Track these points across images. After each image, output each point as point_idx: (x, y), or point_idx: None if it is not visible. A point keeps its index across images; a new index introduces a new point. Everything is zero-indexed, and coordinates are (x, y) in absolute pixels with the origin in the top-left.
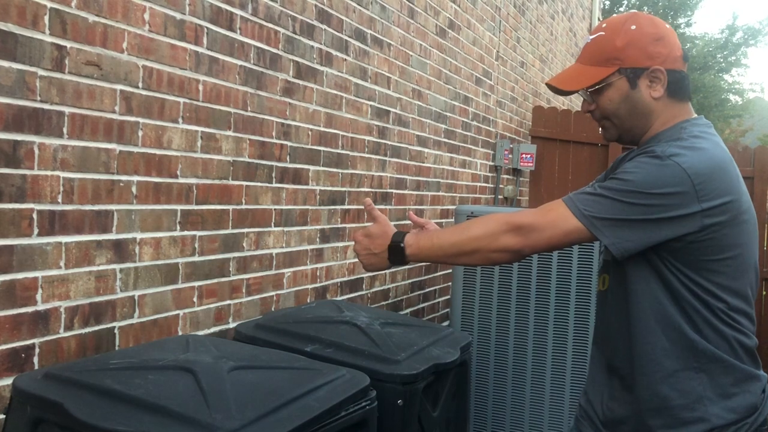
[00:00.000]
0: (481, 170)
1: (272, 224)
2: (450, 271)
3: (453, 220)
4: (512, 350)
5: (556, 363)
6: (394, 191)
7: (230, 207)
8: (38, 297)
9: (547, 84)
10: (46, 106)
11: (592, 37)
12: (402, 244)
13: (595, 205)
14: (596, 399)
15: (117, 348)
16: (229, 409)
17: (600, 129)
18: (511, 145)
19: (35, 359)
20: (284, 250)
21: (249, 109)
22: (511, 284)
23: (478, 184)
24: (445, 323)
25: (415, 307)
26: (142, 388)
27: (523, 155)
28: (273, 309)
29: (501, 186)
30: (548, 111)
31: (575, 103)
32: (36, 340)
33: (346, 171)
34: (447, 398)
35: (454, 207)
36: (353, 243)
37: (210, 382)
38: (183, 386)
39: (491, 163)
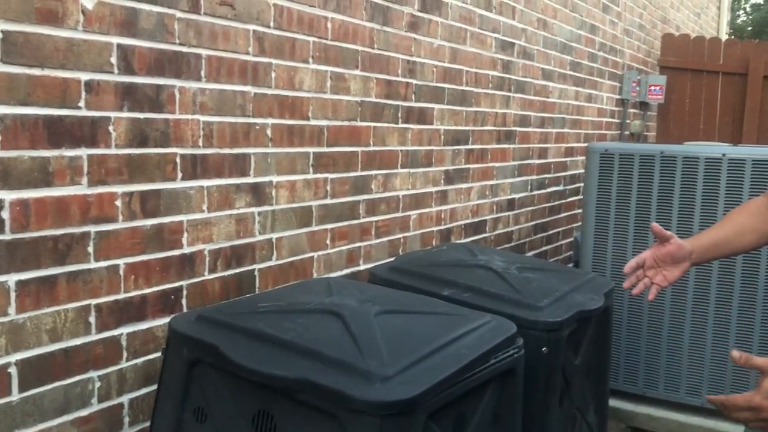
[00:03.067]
0: (607, 104)
1: (399, 166)
2: (575, 212)
3: (584, 158)
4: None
5: (697, 311)
6: (518, 129)
7: (359, 149)
8: (184, 240)
9: None
10: (185, 49)
11: None
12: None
13: None
14: None
15: (257, 290)
16: (381, 355)
17: None
18: (639, 77)
19: (183, 301)
20: (410, 192)
21: (376, 46)
22: (648, 225)
23: (604, 119)
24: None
25: (539, 250)
26: (294, 331)
27: (652, 87)
28: (400, 251)
29: (628, 121)
30: (679, 39)
31: (706, 29)
32: (183, 282)
33: (470, 109)
34: (588, 345)
35: (579, 144)
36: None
37: (359, 327)
38: (333, 330)
39: (618, 97)
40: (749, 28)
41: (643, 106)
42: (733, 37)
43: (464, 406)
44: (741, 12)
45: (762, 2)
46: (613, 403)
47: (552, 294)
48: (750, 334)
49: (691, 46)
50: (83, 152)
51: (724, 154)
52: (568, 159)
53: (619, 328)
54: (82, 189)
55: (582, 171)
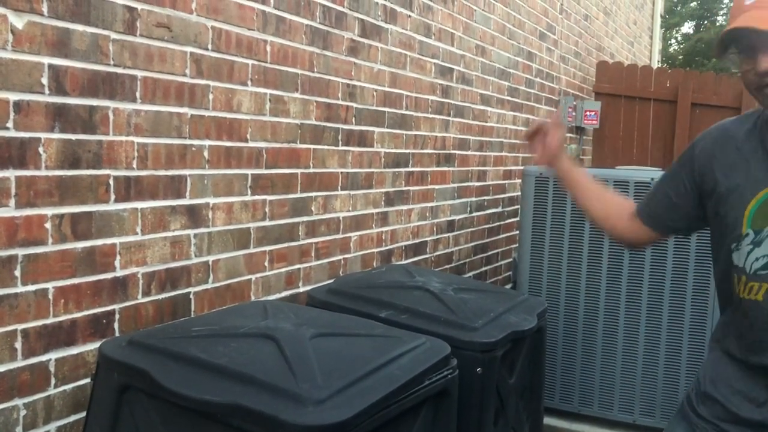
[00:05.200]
0: None
1: (339, 188)
2: (513, 233)
3: (520, 181)
4: (582, 316)
5: (629, 330)
6: (457, 152)
7: (299, 170)
8: (116, 263)
9: (732, 29)
10: (120, 70)
11: None
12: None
13: None
14: (739, 400)
15: (193, 313)
16: (314, 378)
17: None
18: (575, 102)
19: (116, 325)
20: (351, 213)
21: (316, 70)
22: (582, 247)
23: None
24: (507, 287)
25: (478, 270)
26: (227, 356)
27: (587, 113)
28: (341, 273)
29: (564, 145)
30: (613, 66)
31: (640, 57)
32: (116, 306)
33: (410, 132)
34: (523, 365)
35: (517, 167)
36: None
37: (293, 350)
38: (267, 354)
39: None
40: (680, 57)
41: (579, 130)
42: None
43: (399, 428)
44: (672, 41)
45: (692, 32)
46: (549, 421)
47: (487, 315)
48: (678, 354)
49: (625, 74)
50: (11, 173)
51: (652, 179)
52: (506, 181)
53: (554, 347)
54: (9, 211)
55: (519, 193)
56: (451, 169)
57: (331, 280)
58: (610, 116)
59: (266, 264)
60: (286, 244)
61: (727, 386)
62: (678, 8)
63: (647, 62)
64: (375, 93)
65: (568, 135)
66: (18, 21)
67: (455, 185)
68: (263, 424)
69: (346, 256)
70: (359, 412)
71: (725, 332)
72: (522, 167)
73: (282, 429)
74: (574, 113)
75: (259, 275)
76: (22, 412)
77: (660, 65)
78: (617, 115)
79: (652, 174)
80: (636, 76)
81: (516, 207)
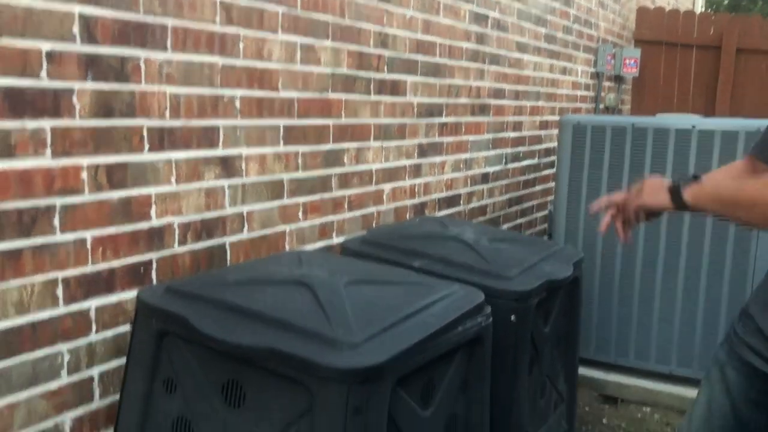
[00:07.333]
0: (582, 78)
1: (371, 138)
2: (549, 185)
3: (557, 131)
4: (620, 267)
5: (667, 280)
6: (492, 102)
7: (330, 121)
8: (152, 213)
9: None
10: (150, 19)
11: None
12: (679, 183)
13: None
14: None
15: (229, 263)
16: (349, 324)
17: None
18: (614, 50)
19: (153, 274)
20: (383, 165)
21: (347, 17)
22: None
23: (579, 92)
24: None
25: (513, 223)
26: (262, 302)
27: (627, 61)
28: (374, 225)
29: (602, 94)
30: (654, 12)
31: (682, 3)
32: (153, 255)
33: (444, 81)
34: (558, 314)
35: (553, 118)
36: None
37: (328, 297)
38: (302, 301)
39: (593, 70)
40: (725, 2)
41: (618, 79)
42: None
43: (432, 373)
44: None
45: None
46: (585, 371)
47: (521, 264)
48: (717, 303)
49: (666, 20)
50: (46, 123)
51: (693, 126)
52: (542, 132)
53: (590, 297)
54: (46, 161)
55: (556, 144)
56: (485, 119)
57: (365, 232)
58: (650, 64)
59: (300, 215)
60: (319, 196)
61: (764, 304)
62: None
63: (690, 7)
64: (408, 41)
65: (607, 84)
66: None
67: (490, 136)
68: (298, 368)
69: (379, 208)
70: (393, 357)
71: None
72: (558, 117)
73: (317, 372)
74: (613, 62)
75: (293, 226)
76: (66, 357)
77: (704, 11)
78: (657, 63)
79: (692, 121)
80: (678, 22)
81: (552, 158)
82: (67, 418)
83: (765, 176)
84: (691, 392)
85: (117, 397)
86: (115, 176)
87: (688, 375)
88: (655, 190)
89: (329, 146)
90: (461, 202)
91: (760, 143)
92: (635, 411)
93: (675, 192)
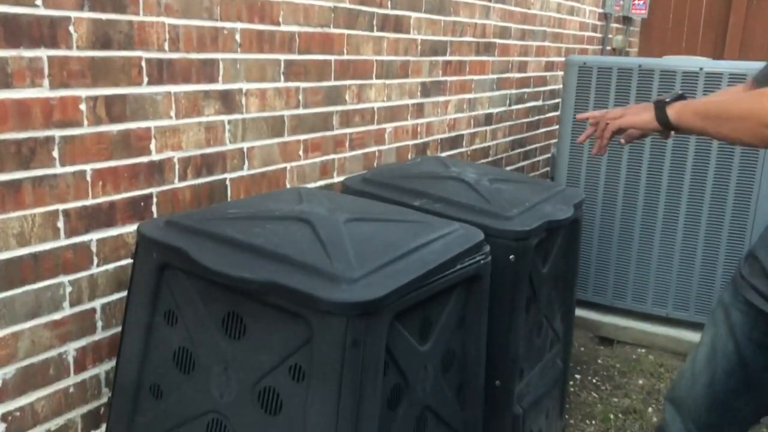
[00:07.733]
0: (589, 18)
1: (374, 76)
2: (553, 128)
3: (563, 72)
4: (620, 210)
5: (667, 224)
6: (497, 41)
7: (332, 57)
8: (152, 147)
9: None
10: None
11: None
12: (666, 100)
13: None
14: None
15: (229, 199)
16: (348, 259)
17: None
18: None
19: (153, 208)
20: (385, 104)
21: None
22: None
23: (586, 33)
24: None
25: (515, 165)
26: (262, 236)
27: (635, 1)
28: (375, 165)
29: (610, 36)
30: None
31: None
32: (153, 190)
33: (448, 18)
34: (557, 255)
35: (559, 59)
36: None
37: (328, 233)
38: (302, 236)
39: (601, 11)
40: None
41: (626, 20)
42: None
43: (430, 310)
44: None
45: None
46: (582, 313)
47: (522, 204)
48: (716, 248)
49: None
50: (43, 53)
51: (701, 68)
52: (548, 73)
53: (590, 240)
54: (43, 92)
55: (561, 86)
56: (490, 58)
57: (366, 171)
58: (660, 5)
59: (301, 153)
60: (320, 134)
61: None
62: None
63: None
64: None
65: (615, 26)
66: None
67: (494, 76)
68: (298, 301)
69: (381, 147)
70: (391, 291)
71: None
72: (564, 58)
73: (316, 305)
74: (621, 2)
75: (293, 164)
76: (68, 289)
77: None
78: (667, 5)
79: (700, 63)
80: None
81: (556, 101)
82: (71, 348)
83: (762, 90)
84: (687, 335)
85: (119, 328)
86: (114, 109)
87: (684, 318)
88: (639, 109)
89: (330, 83)
90: (464, 143)
91: (764, 69)
92: (630, 352)
93: (659, 109)
